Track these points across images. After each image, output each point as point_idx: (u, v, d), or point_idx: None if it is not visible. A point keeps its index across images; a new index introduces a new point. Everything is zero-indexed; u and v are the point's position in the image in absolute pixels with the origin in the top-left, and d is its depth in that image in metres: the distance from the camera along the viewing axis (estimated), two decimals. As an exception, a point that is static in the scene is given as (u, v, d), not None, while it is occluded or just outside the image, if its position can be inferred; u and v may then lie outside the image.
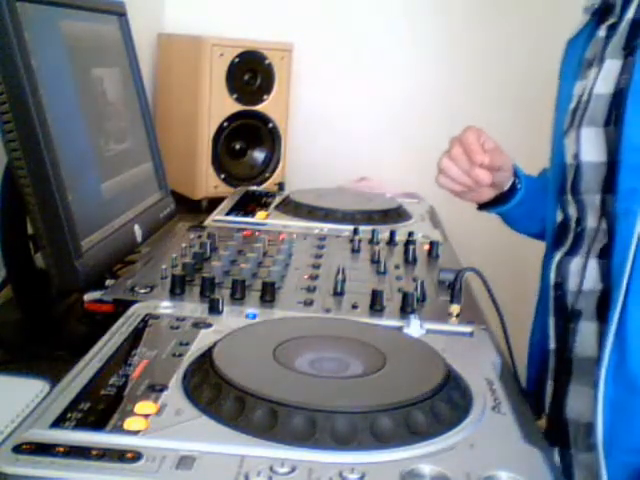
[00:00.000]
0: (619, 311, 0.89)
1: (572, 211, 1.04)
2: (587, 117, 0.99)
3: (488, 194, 1.16)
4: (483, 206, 1.20)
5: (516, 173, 1.16)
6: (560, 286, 1.03)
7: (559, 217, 1.09)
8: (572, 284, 1.01)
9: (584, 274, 0.99)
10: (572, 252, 1.03)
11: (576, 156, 1.00)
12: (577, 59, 1.06)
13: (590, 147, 0.98)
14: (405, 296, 0.91)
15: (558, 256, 1.04)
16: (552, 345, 1.04)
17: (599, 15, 1.04)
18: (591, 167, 0.99)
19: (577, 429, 0.99)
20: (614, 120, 0.95)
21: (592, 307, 0.98)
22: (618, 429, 0.91)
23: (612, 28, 1.00)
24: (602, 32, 1.02)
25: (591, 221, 1.00)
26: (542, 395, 1.06)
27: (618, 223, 0.93)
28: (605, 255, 0.96)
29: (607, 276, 0.95)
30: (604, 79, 0.98)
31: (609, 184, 0.95)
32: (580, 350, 0.99)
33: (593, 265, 0.98)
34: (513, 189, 1.16)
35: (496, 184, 1.14)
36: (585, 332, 0.98)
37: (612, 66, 0.97)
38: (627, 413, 0.91)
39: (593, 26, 1.04)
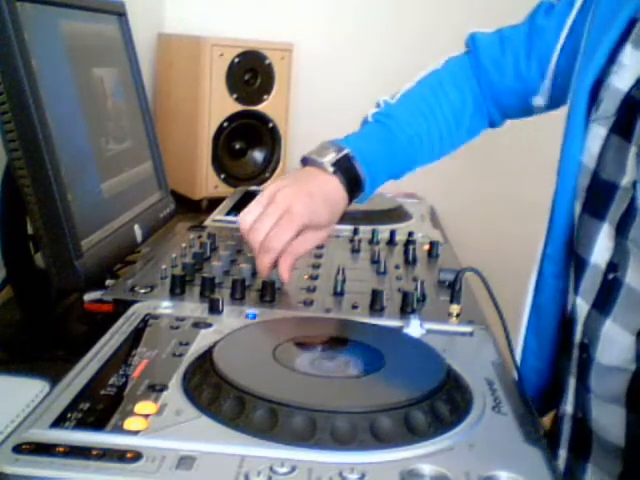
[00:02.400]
0: None
1: (605, 244, 0.80)
2: None
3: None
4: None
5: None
6: (586, 348, 0.81)
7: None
8: (602, 354, 0.79)
9: (616, 344, 0.78)
10: (603, 309, 0.79)
11: (634, 184, 0.76)
12: (623, 16, 0.80)
13: None
14: (405, 296, 0.91)
15: (584, 307, 0.82)
16: (568, 408, 0.85)
17: None
18: None
19: None
20: None
21: (621, 390, 0.78)
22: None
23: None
24: None
25: (634, 279, 0.76)
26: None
27: None
28: None
29: None
30: None
31: None
32: (603, 434, 0.81)
33: (627, 338, 0.76)
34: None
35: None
36: (612, 417, 0.79)
37: None
38: None
39: None
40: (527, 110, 1.09)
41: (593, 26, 0.86)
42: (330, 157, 0.96)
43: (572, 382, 0.85)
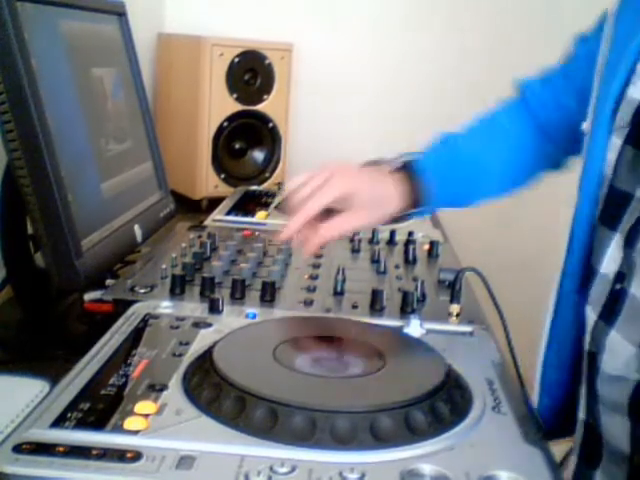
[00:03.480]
0: None
1: (613, 253, 0.80)
2: None
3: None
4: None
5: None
6: (594, 357, 0.82)
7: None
8: (606, 363, 0.80)
9: (620, 354, 0.78)
10: (608, 319, 0.79)
11: None
12: None
13: None
14: (405, 296, 0.91)
15: (592, 317, 0.82)
16: (581, 415, 0.86)
17: None
18: None
19: None
20: None
21: (624, 399, 0.78)
22: None
23: None
24: None
25: (638, 291, 0.76)
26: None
27: None
28: None
29: None
30: None
31: None
32: (612, 440, 0.81)
33: (630, 349, 0.77)
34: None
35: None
36: (617, 425, 0.80)
37: None
38: None
39: None
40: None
41: (615, 40, 0.86)
42: (389, 158, 0.95)
43: (583, 390, 0.85)
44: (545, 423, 0.89)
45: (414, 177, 0.94)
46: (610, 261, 0.80)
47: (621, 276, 0.78)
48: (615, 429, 0.81)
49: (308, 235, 0.87)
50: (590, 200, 0.84)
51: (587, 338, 0.83)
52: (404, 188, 0.93)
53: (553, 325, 0.92)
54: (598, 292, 0.82)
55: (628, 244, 0.77)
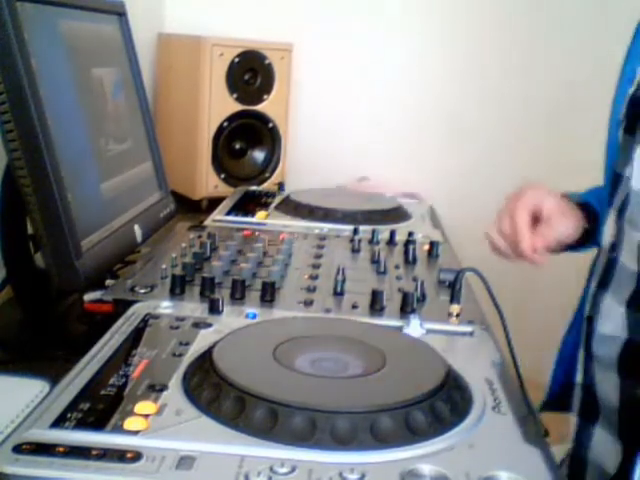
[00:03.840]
0: None
1: (609, 229, 0.93)
2: None
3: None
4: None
5: (588, 208, 1.02)
6: (591, 321, 0.94)
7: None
8: (602, 325, 0.91)
9: (612, 315, 0.89)
10: (604, 285, 0.92)
11: (629, 176, 0.88)
12: None
13: None
14: (405, 296, 0.91)
15: (593, 286, 0.94)
16: (578, 378, 0.97)
17: None
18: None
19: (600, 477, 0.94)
20: None
21: (615, 357, 0.89)
22: None
23: None
24: None
25: (625, 256, 0.88)
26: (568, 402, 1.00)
27: None
28: (634, 304, 0.87)
29: (634, 327, 0.86)
30: None
31: None
32: (605, 397, 0.92)
33: (619, 310, 0.88)
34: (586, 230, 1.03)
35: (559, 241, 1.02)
36: (607, 382, 0.91)
37: None
38: None
39: None
40: None
41: (630, 51, 0.98)
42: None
43: (581, 353, 0.96)
44: (554, 395, 1.05)
45: (584, 207, 1.02)
46: (606, 235, 0.93)
47: (613, 246, 0.91)
48: (608, 386, 0.90)
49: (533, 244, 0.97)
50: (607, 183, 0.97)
51: (587, 305, 0.95)
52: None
53: (582, 303, 1.01)
54: (599, 264, 0.95)
55: (619, 217, 0.90)
